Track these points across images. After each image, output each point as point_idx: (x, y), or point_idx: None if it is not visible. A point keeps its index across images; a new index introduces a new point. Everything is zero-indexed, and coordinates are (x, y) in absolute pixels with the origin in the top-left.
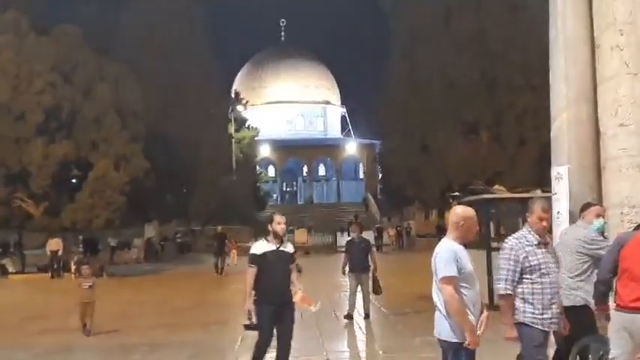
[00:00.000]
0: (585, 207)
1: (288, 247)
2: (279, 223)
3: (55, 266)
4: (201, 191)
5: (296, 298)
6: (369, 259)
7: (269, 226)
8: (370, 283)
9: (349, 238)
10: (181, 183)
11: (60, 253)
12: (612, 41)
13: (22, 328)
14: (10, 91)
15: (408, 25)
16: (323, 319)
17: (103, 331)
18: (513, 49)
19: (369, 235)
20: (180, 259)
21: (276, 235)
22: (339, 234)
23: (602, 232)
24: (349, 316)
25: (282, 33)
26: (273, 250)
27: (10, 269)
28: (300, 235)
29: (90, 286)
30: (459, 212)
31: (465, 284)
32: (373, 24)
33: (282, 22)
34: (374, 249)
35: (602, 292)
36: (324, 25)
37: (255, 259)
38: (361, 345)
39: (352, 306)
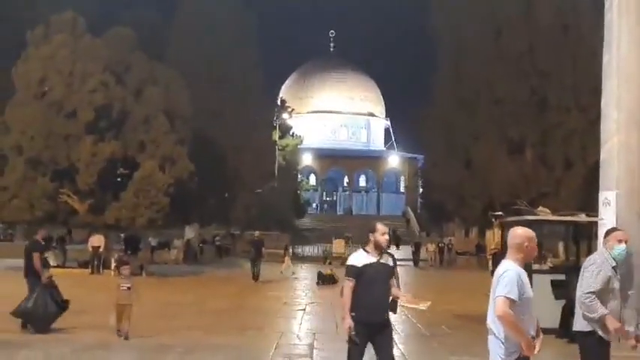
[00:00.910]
0: (608, 232)
1: (390, 260)
2: (383, 234)
3: (96, 262)
4: (243, 196)
5: (404, 300)
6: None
7: (370, 235)
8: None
9: None
10: (224, 187)
11: (101, 249)
12: None
13: (62, 322)
14: (64, 89)
15: (457, 40)
16: None
17: (140, 330)
18: (563, 69)
19: (407, 250)
20: (218, 263)
21: (377, 246)
22: None
23: (623, 257)
24: None
25: (331, 44)
26: (374, 263)
27: (52, 263)
28: (338, 246)
29: (128, 287)
30: (522, 233)
31: (523, 309)
32: (421, 38)
33: (332, 33)
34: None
35: None
36: (373, 38)
37: (355, 272)
38: None
39: None
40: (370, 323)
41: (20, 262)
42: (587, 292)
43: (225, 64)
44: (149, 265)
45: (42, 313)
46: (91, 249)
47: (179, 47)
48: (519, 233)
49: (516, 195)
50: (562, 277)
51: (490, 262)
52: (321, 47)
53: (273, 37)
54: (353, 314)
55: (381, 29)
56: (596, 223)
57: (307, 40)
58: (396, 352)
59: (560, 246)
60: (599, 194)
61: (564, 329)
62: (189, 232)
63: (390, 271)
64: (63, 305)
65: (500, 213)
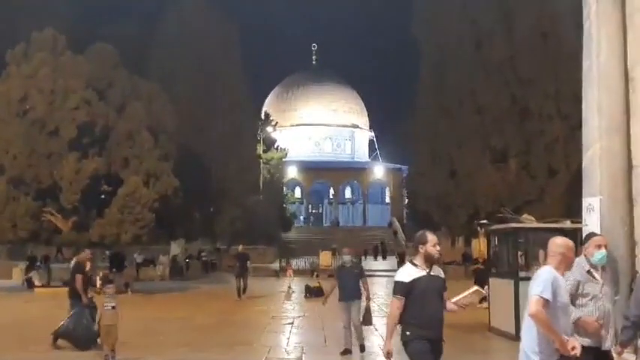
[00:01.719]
0: (586, 238)
1: (441, 273)
2: (434, 245)
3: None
4: (228, 210)
5: (459, 303)
6: (361, 286)
7: (420, 247)
8: (361, 312)
9: (339, 263)
10: (209, 201)
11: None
12: None
13: (47, 342)
14: (46, 107)
15: (438, 51)
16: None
17: (127, 348)
18: (544, 76)
19: (393, 261)
20: (204, 278)
21: (428, 259)
22: (363, 257)
23: (604, 262)
24: (347, 352)
25: (314, 57)
26: (424, 276)
27: (37, 282)
28: (325, 258)
29: (113, 307)
30: (562, 243)
31: (557, 312)
32: (403, 49)
33: (314, 46)
34: (366, 275)
35: (632, 334)
36: (355, 50)
37: (403, 288)
38: None
39: (349, 340)
40: (427, 338)
41: (2, 282)
42: None
43: (209, 79)
44: (135, 282)
45: (82, 332)
46: None
47: (162, 62)
48: (559, 243)
49: (501, 203)
50: None
51: (473, 279)
52: (303, 60)
53: (256, 51)
54: (407, 333)
55: (363, 41)
56: (580, 229)
57: (290, 54)
58: None
59: (541, 254)
60: (583, 200)
61: None
62: (175, 248)
63: (443, 285)
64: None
65: (485, 221)
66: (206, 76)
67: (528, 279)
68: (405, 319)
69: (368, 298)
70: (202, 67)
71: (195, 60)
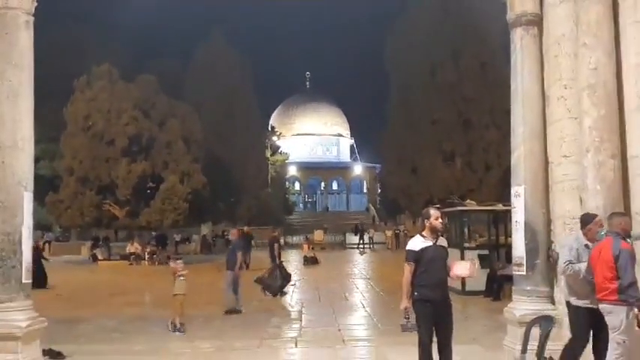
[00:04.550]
0: (587, 219)
1: (445, 242)
2: (436, 218)
3: (133, 256)
4: (245, 200)
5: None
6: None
7: (425, 221)
8: (231, 280)
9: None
10: (230, 194)
11: (138, 251)
12: (558, 93)
13: (110, 301)
14: (104, 123)
15: (403, 77)
16: (335, 299)
17: (170, 305)
18: (482, 96)
19: (365, 237)
20: (227, 252)
21: (433, 230)
22: (347, 234)
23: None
24: (230, 312)
25: (308, 82)
26: (431, 246)
27: (100, 257)
28: (318, 235)
29: (184, 278)
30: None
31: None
32: (377, 76)
33: (308, 74)
34: (242, 250)
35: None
36: (339, 76)
37: (413, 256)
38: (365, 319)
39: (230, 300)
40: (432, 300)
41: (73, 257)
42: (565, 264)
43: (229, 100)
44: (175, 256)
45: (273, 283)
46: (129, 252)
47: (193, 88)
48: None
49: (450, 192)
50: (486, 252)
51: None
52: (300, 85)
53: (264, 78)
54: (416, 294)
55: (346, 69)
56: (509, 210)
57: (289, 80)
58: (362, 312)
59: (465, 229)
60: (512, 189)
61: (489, 291)
62: (205, 229)
63: (446, 253)
64: (288, 278)
65: (438, 206)
66: (227, 99)
67: (471, 248)
68: (415, 282)
69: (239, 268)
70: (224, 91)
71: (219, 86)
